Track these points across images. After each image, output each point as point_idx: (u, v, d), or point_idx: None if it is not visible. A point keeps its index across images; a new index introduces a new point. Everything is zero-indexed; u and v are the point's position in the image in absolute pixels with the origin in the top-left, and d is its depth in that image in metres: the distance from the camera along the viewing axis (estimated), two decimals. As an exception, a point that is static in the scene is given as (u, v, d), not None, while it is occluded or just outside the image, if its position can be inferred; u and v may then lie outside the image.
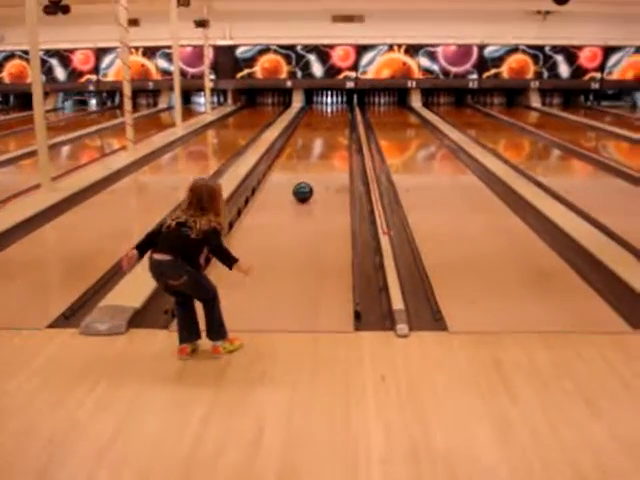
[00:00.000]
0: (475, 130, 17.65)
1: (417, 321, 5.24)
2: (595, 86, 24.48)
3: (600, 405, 4.07)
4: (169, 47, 20.34)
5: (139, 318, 5.24)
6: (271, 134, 16.61)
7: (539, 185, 10.49)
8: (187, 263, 4.45)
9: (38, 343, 4.90)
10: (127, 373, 4.44)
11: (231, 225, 8.00)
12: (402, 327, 5.00)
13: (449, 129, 17.56)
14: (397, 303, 5.42)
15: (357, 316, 5.25)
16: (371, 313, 5.44)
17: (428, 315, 5.45)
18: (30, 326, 5.17)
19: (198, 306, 4.71)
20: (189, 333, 4.67)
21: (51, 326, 5.19)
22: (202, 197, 4.49)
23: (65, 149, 15.38)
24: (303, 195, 9.51)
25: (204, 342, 4.71)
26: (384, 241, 7.32)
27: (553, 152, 15.30)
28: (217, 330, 4.65)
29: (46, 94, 24.75)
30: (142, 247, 4.59)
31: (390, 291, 5.72)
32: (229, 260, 4.54)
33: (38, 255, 7.37)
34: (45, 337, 5.00)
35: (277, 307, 5.67)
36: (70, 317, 5.33)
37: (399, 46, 23.98)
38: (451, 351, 4.79)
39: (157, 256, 4.49)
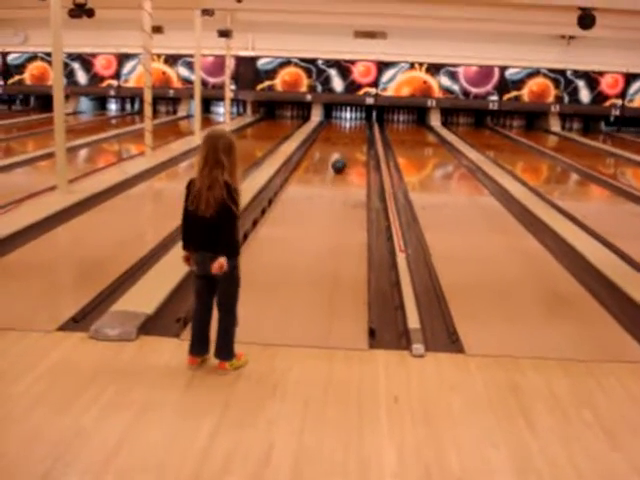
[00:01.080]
0: (494, 151, 17.53)
1: (433, 341, 5.15)
2: (616, 113, 24.33)
3: (620, 436, 3.96)
4: (191, 56, 20.40)
5: (150, 325, 5.15)
6: (289, 147, 16.57)
7: (557, 208, 10.40)
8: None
9: (46, 346, 4.82)
10: (135, 381, 4.35)
11: (246, 236, 7.92)
12: (418, 347, 4.90)
13: (468, 149, 17.46)
14: (413, 322, 5.32)
15: (371, 333, 5.15)
16: (386, 331, 5.35)
17: (444, 336, 5.34)
18: (39, 328, 5.09)
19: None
20: (200, 346, 4.56)
21: (61, 329, 5.11)
22: (218, 148, 4.25)
23: (83, 152, 15.38)
24: (340, 167, 12.80)
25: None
26: (400, 259, 7.23)
27: (571, 176, 15.17)
28: (226, 350, 4.51)
29: (67, 97, 24.91)
30: (188, 244, 4.48)
31: (406, 310, 5.62)
32: (231, 249, 4.39)
33: (51, 257, 7.30)
34: (54, 340, 4.92)
35: (291, 321, 5.57)
36: (80, 321, 5.25)
37: (420, 64, 23.94)
38: (468, 373, 4.68)
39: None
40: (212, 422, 3.88)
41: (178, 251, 4.71)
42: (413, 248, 7.86)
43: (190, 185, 4.40)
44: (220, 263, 4.27)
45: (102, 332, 4.92)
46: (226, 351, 4.50)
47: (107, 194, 10.12)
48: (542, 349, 5.19)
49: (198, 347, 4.55)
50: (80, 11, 15.14)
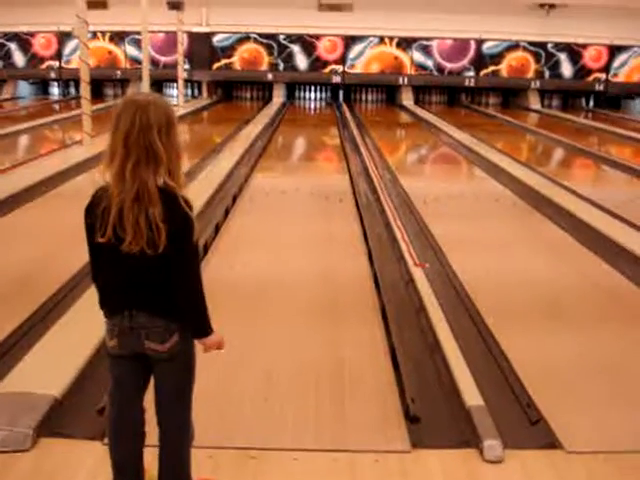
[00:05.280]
0: (480, 132, 15.56)
1: (501, 422, 3.25)
2: (599, 88, 22.67)
3: None
4: (139, 33, 18.29)
5: (56, 416, 3.19)
6: (251, 131, 14.59)
7: (579, 196, 8.66)
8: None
9: None
10: None
11: (206, 247, 5.99)
12: (492, 444, 3.02)
13: (452, 130, 15.58)
14: (471, 396, 3.41)
15: (413, 420, 3.24)
16: (428, 401, 3.47)
17: (515, 409, 3.49)
18: None
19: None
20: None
21: None
22: (150, 124, 2.33)
23: (11, 141, 13.21)
24: None
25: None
26: (419, 276, 5.35)
27: (579, 159, 13.37)
28: None
29: (3, 81, 22.59)
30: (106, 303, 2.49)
31: (455, 376, 3.67)
32: (202, 319, 2.45)
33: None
34: None
35: (280, 397, 3.60)
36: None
37: (391, 39, 22.00)
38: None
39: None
40: None
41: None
42: (426, 258, 5.99)
43: (96, 200, 2.42)
44: (218, 340, 2.49)
45: (-28, 440, 2.96)
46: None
47: (31, 192, 8.06)
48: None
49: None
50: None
